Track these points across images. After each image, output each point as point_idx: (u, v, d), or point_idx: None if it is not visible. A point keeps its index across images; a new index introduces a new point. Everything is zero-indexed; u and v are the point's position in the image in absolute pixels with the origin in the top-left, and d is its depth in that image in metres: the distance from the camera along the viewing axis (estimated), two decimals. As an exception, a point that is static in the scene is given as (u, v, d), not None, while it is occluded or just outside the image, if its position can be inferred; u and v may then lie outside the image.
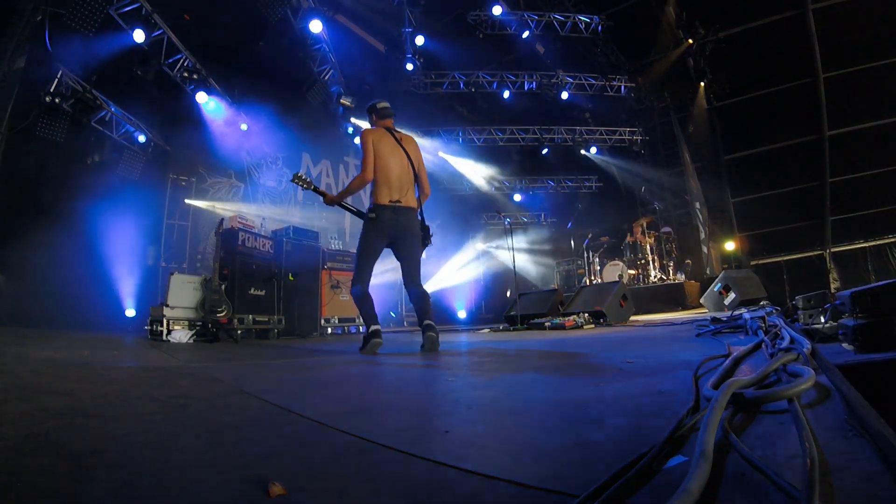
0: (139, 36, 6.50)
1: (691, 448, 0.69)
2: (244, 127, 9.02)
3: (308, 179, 3.68)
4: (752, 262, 10.53)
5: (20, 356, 2.73)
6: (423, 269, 3.69)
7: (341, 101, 9.60)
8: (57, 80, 6.29)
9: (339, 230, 10.08)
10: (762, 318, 2.72)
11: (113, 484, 0.77)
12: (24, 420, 1.18)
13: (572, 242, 11.67)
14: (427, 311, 3.36)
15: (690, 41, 10.31)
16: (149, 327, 4.93)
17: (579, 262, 11.01)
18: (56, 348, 3.27)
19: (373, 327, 3.28)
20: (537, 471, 0.77)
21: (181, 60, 7.41)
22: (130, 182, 7.57)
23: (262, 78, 9.24)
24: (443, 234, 11.03)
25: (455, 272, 12.74)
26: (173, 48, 7.17)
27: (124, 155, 7.64)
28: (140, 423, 1.22)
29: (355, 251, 3.53)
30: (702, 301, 6.73)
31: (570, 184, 14.19)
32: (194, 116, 8.16)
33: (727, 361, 1.52)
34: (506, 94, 11.39)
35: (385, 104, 3.67)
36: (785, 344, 1.63)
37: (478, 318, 11.52)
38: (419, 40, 10.10)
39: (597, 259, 10.71)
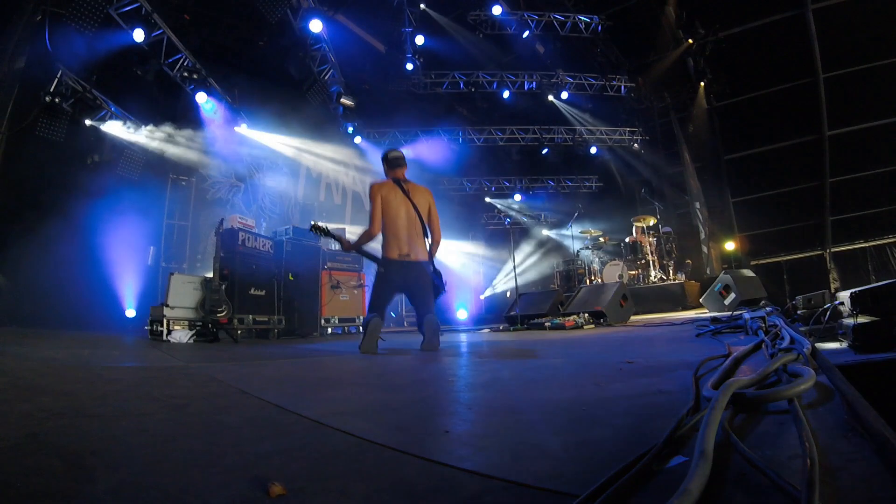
0: (139, 36, 6.50)
1: (691, 448, 0.69)
2: (244, 127, 9.02)
3: (325, 227, 3.77)
4: (752, 262, 10.52)
5: (20, 356, 2.73)
6: None
7: (341, 101, 9.59)
8: (57, 79, 6.29)
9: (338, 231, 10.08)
10: (762, 318, 2.72)
11: (113, 484, 0.77)
12: (24, 420, 1.18)
13: (572, 242, 11.66)
14: (434, 331, 3.38)
15: (690, 41, 10.31)
16: (149, 327, 4.93)
17: (579, 262, 11.00)
18: (56, 348, 3.27)
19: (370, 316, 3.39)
20: (537, 471, 0.77)
21: (181, 60, 7.40)
22: (130, 182, 7.57)
23: (262, 78, 9.23)
24: (443, 233, 10.99)
25: (455, 272, 12.74)
26: (173, 48, 7.17)
27: (124, 155, 7.63)
28: (140, 423, 1.22)
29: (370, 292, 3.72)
30: (702, 301, 6.73)
31: (570, 184, 14.19)
32: (194, 116, 8.16)
33: (727, 361, 1.52)
34: (506, 94, 11.39)
35: (397, 154, 3.73)
36: (785, 344, 1.63)
37: (478, 318, 11.51)
38: (419, 40, 10.10)
39: (597, 259, 10.71)
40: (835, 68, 9.61)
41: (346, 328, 7.19)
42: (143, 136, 7.83)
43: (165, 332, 4.68)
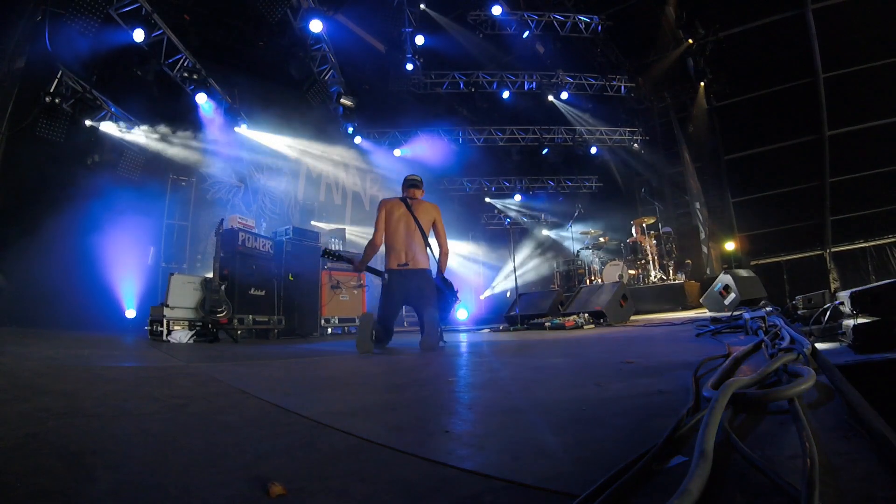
0: (139, 36, 6.50)
1: (691, 448, 0.69)
2: (244, 127, 9.01)
3: (337, 252, 3.95)
4: (752, 262, 10.51)
5: (20, 356, 2.73)
6: None
7: (341, 101, 9.59)
8: (57, 80, 6.29)
9: (338, 231, 10.08)
10: (762, 318, 2.72)
11: (113, 484, 0.77)
12: (24, 420, 1.18)
13: (572, 242, 11.66)
14: (433, 331, 3.48)
15: (690, 41, 10.30)
16: (149, 327, 4.92)
17: (579, 262, 10.99)
18: (56, 348, 3.27)
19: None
20: (537, 471, 0.77)
21: (181, 60, 7.40)
22: (130, 182, 7.56)
23: (262, 78, 9.23)
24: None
25: (455, 272, 12.74)
26: (173, 48, 7.17)
27: (124, 155, 7.63)
28: (140, 423, 1.22)
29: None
30: (702, 301, 6.72)
31: (570, 184, 14.19)
32: (194, 116, 8.15)
33: (727, 361, 1.52)
34: (506, 95, 11.39)
35: (413, 178, 3.99)
36: (785, 344, 1.63)
37: (478, 318, 11.51)
38: (419, 40, 10.10)
39: (597, 259, 10.71)
40: (835, 68, 9.61)
41: (346, 328, 7.19)
42: (143, 137, 7.83)
43: (165, 332, 4.68)
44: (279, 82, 9.24)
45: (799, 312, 3.01)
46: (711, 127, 11.21)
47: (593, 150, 13.09)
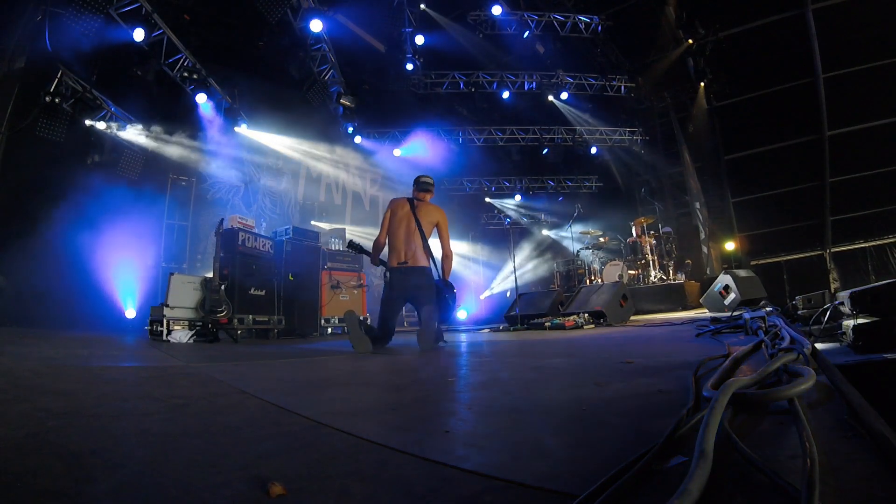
0: (139, 36, 6.50)
1: (691, 448, 0.69)
2: (244, 127, 9.01)
3: (359, 245, 4.07)
4: (752, 262, 10.51)
5: (20, 356, 2.72)
6: None
7: (341, 101, 9.59)
8: (57, 79, 6.29)
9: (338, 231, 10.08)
10: (762, 318, 2.72)
11: (113, 484, 0.77)
12: (24, 420, 1.18)
13: (572, 242, 11.66)
14: (430, 325, 3.56)
15: (690, 41, 10.30)
16: (149, 327, 4.92)
17: (579, 262, 10.99)
18: (56, 348, 3.27)
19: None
20: (537, 471, 0.77)
21: (181, 60, 7.40)
22: (130, 182, 7.56)
23: (261, 78, 9.23)
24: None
25: (455, 272, 12.73)
26: (173, 48, 7.17)
27: (124, 155, 7.63)
28: (140, 423, 1.21)
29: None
30: (702, 301, 6.72)
31: (570, 184, 14.18)
32: (194, 116, 8.15)
33: (727, 361, 1.52)
34: (506, 95, 11.39)
35: (425, 179, 4.00)
36: (785, 344, 1.63)
37: (478, 318, 11.51)
38: (419, 40, 10.09)
39: (597, 259, 10.71)
40: (835, 68, 9.61)
41: (346, 328, 7.18)
42: (143, 137, 7.83)
43: (165, 332, 4.68)
44: (279, 82, 9.24)
45: (799, 312, 3.01)
46: (711, 127, 11.20)
47: (593, 150, 13.09)
